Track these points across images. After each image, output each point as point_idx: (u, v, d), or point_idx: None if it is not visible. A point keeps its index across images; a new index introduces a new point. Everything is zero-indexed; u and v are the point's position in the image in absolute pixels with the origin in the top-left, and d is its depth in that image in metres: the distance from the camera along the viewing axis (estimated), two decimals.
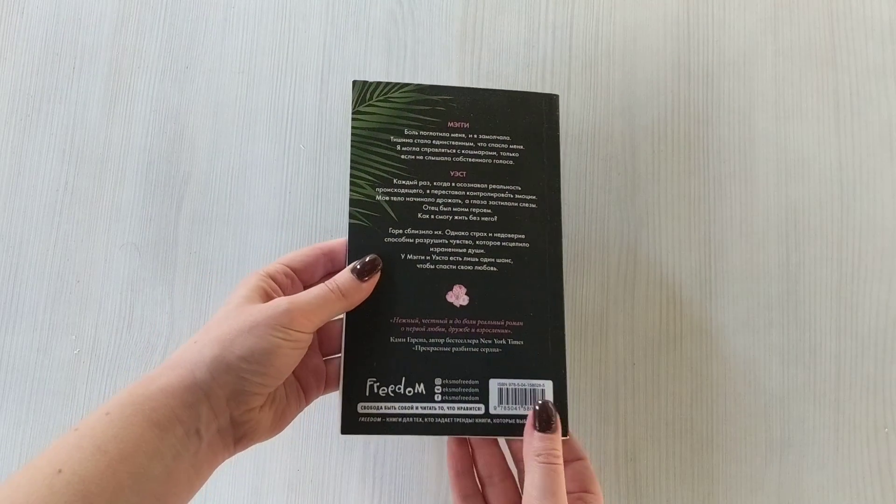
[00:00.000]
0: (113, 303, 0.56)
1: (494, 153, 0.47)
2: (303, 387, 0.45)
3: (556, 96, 0.49)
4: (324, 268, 0.46)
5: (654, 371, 0.53)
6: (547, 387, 0.44)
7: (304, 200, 0.57)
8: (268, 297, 0.42)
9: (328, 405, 0.51)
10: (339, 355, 0.44)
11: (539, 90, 0.57)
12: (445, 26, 0.58)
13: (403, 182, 0.46)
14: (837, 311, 0.52)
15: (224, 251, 0.57)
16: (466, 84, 0.57)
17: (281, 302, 0.40)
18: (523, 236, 0.46)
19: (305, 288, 0.45)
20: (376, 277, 0.44)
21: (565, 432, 0.43)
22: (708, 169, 0.55)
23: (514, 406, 0.43)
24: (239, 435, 0.40)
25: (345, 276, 0.43)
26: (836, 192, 0.53)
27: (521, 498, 0.41)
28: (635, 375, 0.53)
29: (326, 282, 0.42)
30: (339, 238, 0.46)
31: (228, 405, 0.39)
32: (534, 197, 0.46)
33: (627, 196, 0.55)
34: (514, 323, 0.44)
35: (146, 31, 0.59)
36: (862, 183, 0.53)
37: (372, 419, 0.43)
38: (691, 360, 0.52)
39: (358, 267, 0.43)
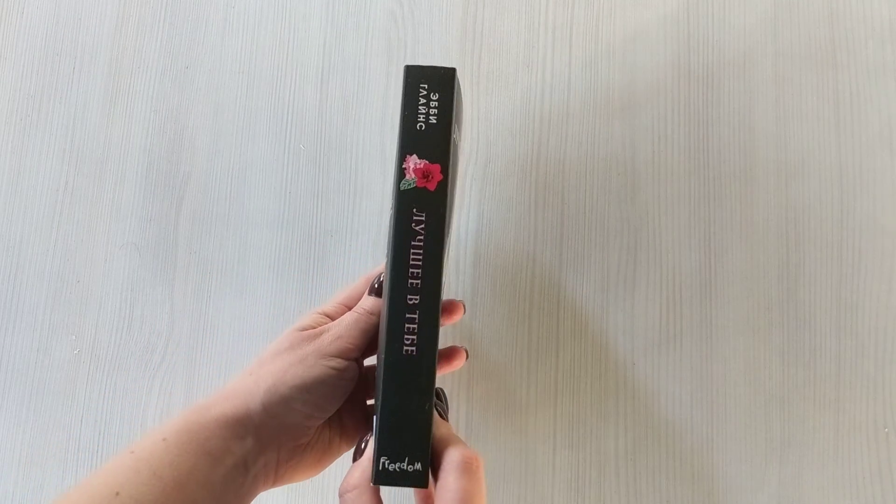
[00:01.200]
0: (113, 303, 0.56)
1: None
2: (348, 430, 0.45)
3: (405, 67, 0.40)
4: None
5: (654, 371, 0.53)
6: None
7: (304, 200, 0.57)
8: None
9: None
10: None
11: (539, 90, 0.57)
12: (445, 26, 0.58)
13: None
14: (837, 311, 0.52)
15: (224, 251, 0.57)
16: (466, 87, 0.57)
17: (324, 333, 0.42)
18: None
19: None
20: None
21: (382, 480, 0.36)
22: (708, 169, 0.55)
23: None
24: (282, 471, 0.41)
25: (366, 299, 0.45)
26: (836, 192, 0.53)
27: None
28: (635, 375, 0.53)
29: (353, 309, 0.45)
30: (378, 264, 0.48)
31: (278, 438, 0.40)
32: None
33: (627, 196, 0.55)
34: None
35: (146, 31, 0.59)
36: (862, 183, 0.53)
37: None
38: (691, 360, 0.52)
39: (376, 286, 0.45)
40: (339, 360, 0.41)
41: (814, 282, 0.52)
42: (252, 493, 0.40)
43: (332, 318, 0.45)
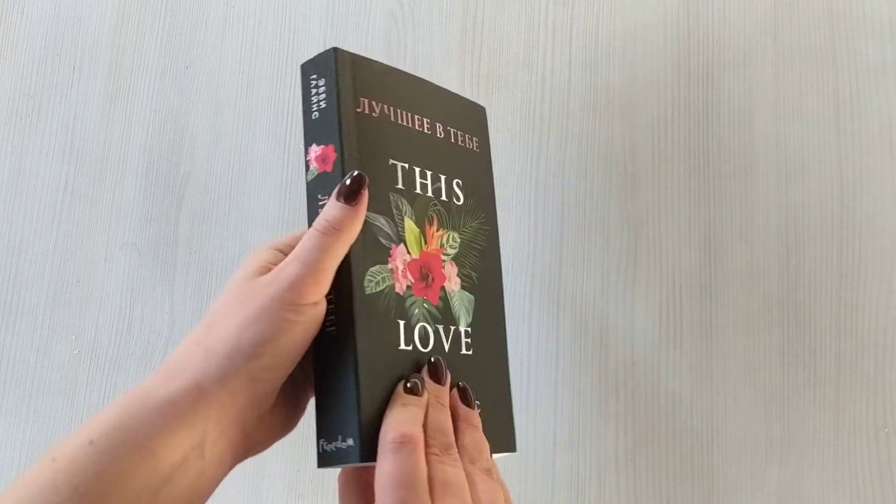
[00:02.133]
0: (113, 303, 0.56)
1: None
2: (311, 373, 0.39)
3: (300, 66, 0.41)
4: None
5: (654, 371, 0.53)
6: None
7: (304, 200, 0.57)
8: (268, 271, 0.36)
9: None
10: None
11: (539, 90, 0.57)
12: (445, 26, 0.58)
13: None
14: (837, 311, 0.52)
15: (224, 251, 0.57)
16: (467, 86, 0.57)
17: (281, 274, 0.34)
18: None
19: None
20: (365, 198, 0.37)
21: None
22: (708, 169, 0.55)
23: None
24: (250, 443, 0.36)
25: (332, 206, 0.36)
26: (836, 192, 0.53)
27: None
28: (635, 375, 0.53)
29: (313, 225, 0.36)
30: None
31: (240, 414, 0.34)
32: None
33: (627, 196, 0.55)
34: None
35: (146, 31, 0.59)
36: (862, 183, 0.53)
37: None
38: (691, 360, 0.52)
39: (340, 189, 0.37)
40: (301, 306, 0.34)
41: (814, 282, 0.52)
42: (216, 477, 0.34)
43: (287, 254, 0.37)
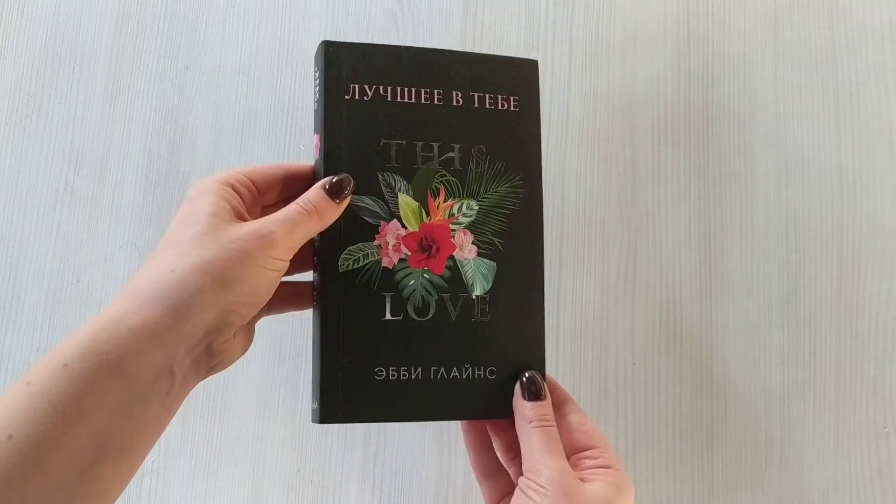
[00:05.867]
0: None
1: None
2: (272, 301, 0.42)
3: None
4: (283, 191, 0.43)
5: (654, 371, 0.53)
6: None
7: None
8: (237, 213, 0.39)
9: None
10: (310, 280, 0.44)
11: (539, 90, 0.57)
12: (445, 26, 0.58)
13: None
14: (837, 311, 0.52)
15: None
16: None
17: (265, 230, 0.37)
18: None
19: (263, 207, 0.43)
20: (348, 197, 0.41)
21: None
22: (708, 169, 0.55)
23: None
24: (213, 364, 0.38)
25: (317, 194, 0.40)
26: (836, 192, 0.54)
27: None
28: (635, 375, 0.53)
29: (298, 201, 0.39)
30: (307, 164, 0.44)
31: (209, 338, 0.36)
32: None
33: (627, 196, 0.55)
34: None
35: (146, 31, 0.59)
36: (862, 183, 0.53)
37: None
38: (691, 360, 0.52)
39: (327, 186, 0.40)
40: (276, 260, 0.38)
41: (814, 282, 0.53)
42: (182, 395, 0.36)
43: (239, 193, 0.40)
